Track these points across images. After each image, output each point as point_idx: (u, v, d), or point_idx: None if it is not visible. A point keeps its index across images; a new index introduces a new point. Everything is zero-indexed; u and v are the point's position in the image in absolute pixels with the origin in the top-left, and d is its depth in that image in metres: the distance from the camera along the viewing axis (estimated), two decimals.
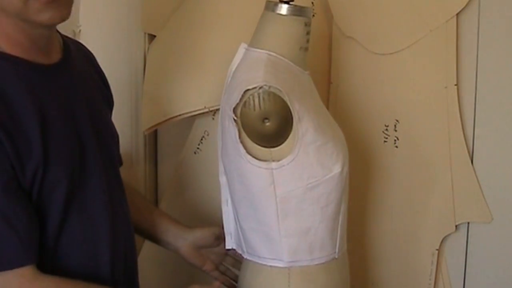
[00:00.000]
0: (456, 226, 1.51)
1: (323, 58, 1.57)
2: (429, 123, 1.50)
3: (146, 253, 1.64)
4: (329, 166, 1.14)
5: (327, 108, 1.44)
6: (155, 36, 1.64)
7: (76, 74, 1.12)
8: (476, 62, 1.47)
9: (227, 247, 1.29)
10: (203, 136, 1.60)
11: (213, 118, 1.57)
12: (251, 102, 1.10)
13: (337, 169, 1.15)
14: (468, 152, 1.49)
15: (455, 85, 1.47)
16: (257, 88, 1.09)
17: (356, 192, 1.40)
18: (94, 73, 1.22)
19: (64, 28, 1.13)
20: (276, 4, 1.17)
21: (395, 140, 1.52)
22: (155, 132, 1.72)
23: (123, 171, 1.36)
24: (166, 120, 1.55)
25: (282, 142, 1.12)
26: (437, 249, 1.52)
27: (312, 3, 1.53)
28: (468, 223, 1.52)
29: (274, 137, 1.12)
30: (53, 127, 1.02)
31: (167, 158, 1.73)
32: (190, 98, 1.53)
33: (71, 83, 1.10)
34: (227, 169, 1.21)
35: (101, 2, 1.60)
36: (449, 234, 1.52)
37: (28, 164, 0.98)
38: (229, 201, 1.25)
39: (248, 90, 1.10)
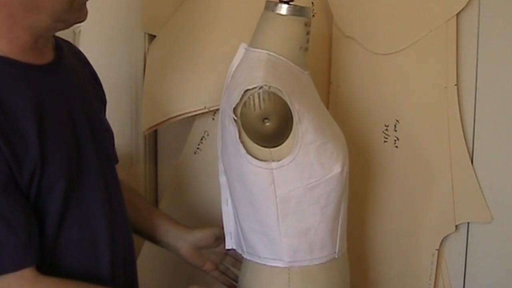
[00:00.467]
0: (456, 226, 1.51)
1: (323, 58, 1.57)
2: (429, 123, 1.50)
3: (146, 253, 1.64)
4: (329, 166, 1.14)
5: (327, 108, 1.44)
6: (155, 36, 1.64)
7: (70, 73, 1.12)
8: (476, 62, 1.47)
9: (227, 247, 1.29)
10: (203, 136, 1.60)
11: (213, 118, 1.57)
12: (251, 102, 1.10)
13: (337, 169, 1.15)
14: (468, 152, 1.49)
15: (455, 85, 1.47)
16: (257, 88, 1.09)
17: (356, 192, 1.40)
18: (86, 71, 1.22)
19: None
20: (276, 4, 1.17)
21: (395, 140, 1.52)
22: (155, 132, 1.72)
23: (123, 171, 1.36)
24: (166, 120, 1.55)
25: (282, 142, 1.12)
26: (437, 249, 1.52)
27: (312, 3, 1.53)
28: (468, 223, 1.52)
29: (274, 137, 1.12)
30: (49, 126, 1.01)
31: (167, 158, 1.73)
32: (190, 98, 1.53)
33: (65, 82, 1.10)
34: (227, 169, 1.21)
35: (101, 2, 1.60)
36: (449, 234, 1.52)
37: (25, 164, 0.97)
38: (229, 201, 1.25)
39: (248, 90, 1.10)
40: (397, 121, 1.51)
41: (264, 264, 1.20)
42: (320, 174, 1.13)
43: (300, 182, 1.13)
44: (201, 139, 1.61)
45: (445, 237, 1.52)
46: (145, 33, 1.65)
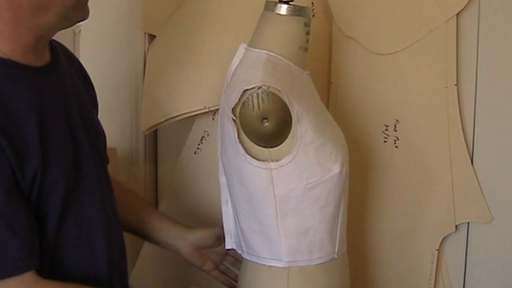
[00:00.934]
0: (456, 226, 1.51)
1: (323, 58, 1.57)
2: (429, 123, 1.50)
3: (146, 253, 1.64)
4: (328, 166, 1.14)
5: (327, 108, 1.44)
6: (155, 36, 1.64)
7: (65, 75, 1.12)
8: (476, 62, 1.47)
9: (226, 247, 1.29)
10: (203, 136, 1.60)
11: (213, 118, 1.57)
12: (250, 102, 1.10)
13: (336, 169, 1.14)
14: (468, 152, 1.49)
15: (455, 85, 1.47)
16: (256, 88, 1.09)
17: (356, 192, 1.40)
18: (78, 72, 1.22)
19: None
20: (275, 4, 1.17)
21: (395, 140, 1.52)
22: (155, 132, 1.72)
23: (123, 171, 1.36)
24: (166, 120, 1.55)
25: (281, 142, 1.12)
26: (437, 249, 1.52)
27: (312, 3, 1.53)
28: (468, 223, 1.52)
29: (273, 137, 1.12)
30: (49, 129, 1.01)
31: (167, 158, 1.73)
32: (190, 98, 1.53)
33: (62, 84, 1.09)
34: (227, 169, 1.21)
35: (101, 2, 1.60)
36: (449, 234, 1.52)
37: (28, 167, 0.97)
38: (229, 201, 1.25)
39: (247, 90, 1.09)
40: (397, 121, 1.51)
41: (263, 264, 1.20)
42: (319, 174, 1.13)
43: (299, 182, 1.13)
44: (201, 139, 1.61)
45: (445, 237, 1.52)
46: (145, 33, 1.65)
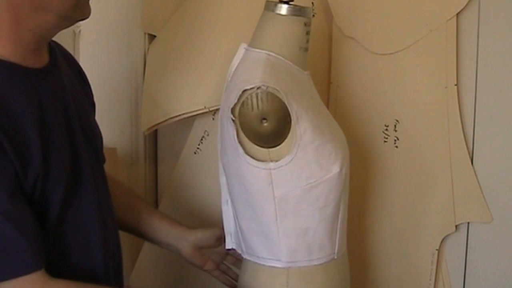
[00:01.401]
0: (456, 226, 1.51)
1: (323, 58, 1.57)
2: (429, 123, 1.50)
3: (146, 253, 1.64)
4: (328, 166, 1.14)
5: (327, 108, 1.44)
6: (155, 36, 1.64)
7: (63, 76, 1.12)
8: (476, 62, 1.47)
9: (227, 247, 1.29)
10: (203, 136, 1.60)
11: (213, 118, 1.57)
12: (249, 102, 1.10)
13: (335, 169, 1.14)
14: (468, 152, 1.49)
15: (455, 85, 1.47)
16: (255, 88, 1.09)
17: (356, 192, 1.40)
18: (76, 72, 1.22)
19: None
20: (276, 4, 1.17)
21: (395, 140, 1.52)
22: (155, 132, 1.72)
23: (123, 171, 1.36)
24: (166, 120, 1.55)
25: (281, 143, 1.12)
26: (437, 249, 1.52)
27: (312, 3, 1.53)
28: (468, 223, 1.52)
29: (272, 137, 1.12)
30: (50, 131, 1.01)
31: (167, 158, 1.73)
32: (190, 98, 1.53)
33: (61, 85, 1.09)
34: (226, 169, 1.21)
35: (101, 2, 1.60)
36: (449, 234, 1.52)
37: (30, 169, 0.97)
38: (229, 201, 1.25)
39: (246, 90, 1.09)
40: (397, 121, 1.51)
41: (263, 264, 1.20)
42: (319, 175, 1.13)
43: (299, 182, 1.13)
44: (201, 139, 1.61)
45: (445, 237, 1.52)
46: (145, 33, 1.65)
